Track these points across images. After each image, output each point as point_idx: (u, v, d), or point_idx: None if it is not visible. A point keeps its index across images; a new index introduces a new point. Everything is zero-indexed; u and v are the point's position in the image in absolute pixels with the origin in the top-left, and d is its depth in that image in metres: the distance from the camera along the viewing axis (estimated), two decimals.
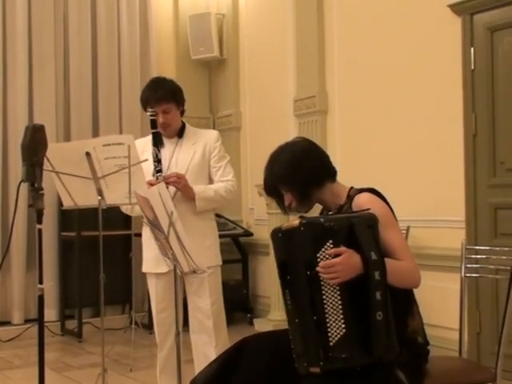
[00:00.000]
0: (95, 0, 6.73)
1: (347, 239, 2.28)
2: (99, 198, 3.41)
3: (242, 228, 6.85)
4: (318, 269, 2.24)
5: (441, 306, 4.59)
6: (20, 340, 6.03)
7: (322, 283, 2.25)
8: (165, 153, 3.58)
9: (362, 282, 2.25)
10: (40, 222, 2.46)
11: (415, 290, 2.53)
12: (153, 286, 3.66)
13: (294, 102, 6.24)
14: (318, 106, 5.94)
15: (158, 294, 3.63)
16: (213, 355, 3.52)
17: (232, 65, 7.15)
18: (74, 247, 6.17)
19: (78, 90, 6.65)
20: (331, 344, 2.22)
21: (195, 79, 7.18)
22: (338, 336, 2.22)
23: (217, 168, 3.64)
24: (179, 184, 3.42)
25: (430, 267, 4.54)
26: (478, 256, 3.25)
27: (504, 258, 2.94)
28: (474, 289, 4.54)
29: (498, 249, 3.23)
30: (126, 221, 5.97)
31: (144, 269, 3.70)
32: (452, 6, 4.69)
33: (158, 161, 3.43)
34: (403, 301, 2.46)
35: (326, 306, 2.24)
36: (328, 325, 2.23)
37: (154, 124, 3.46)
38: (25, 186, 2.47)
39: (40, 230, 2.49)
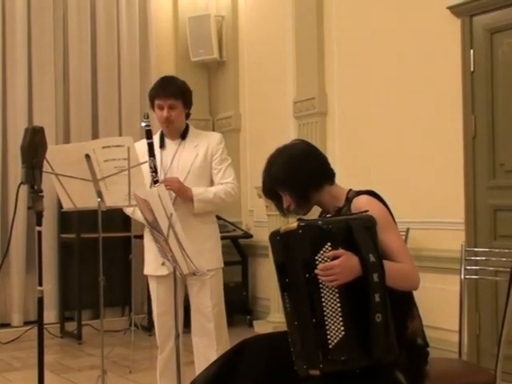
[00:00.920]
0: (95, 2, 6.74)
1: (345, 241, 2.28)
2: (99, 200, 3.41)
3: (242, 230, 6.85)
4: (316, 271, 2.24)
5: (440, 307, 4.58)
6: (19, 342, 6.02)
7: (321, 286, 2.25)
8: (167, 154, 3.58)
9: (360, 284, 2.25)
10: (40, 224, 2.46)
11: (415, 292, 2.53)
12: (154, 289, 3.67)
13: (293, 103, 6.24)
14: (318, 108, 5.94)
15: (159, 297, 3.63)
16: (214, 358, 3.51)
17: (231, 67, 7.15)
18: (74, 249, 6.16)
19: (78, 92, 6.65)
20: (330, 346, 2.22)
21: (195, 81, 7.15)
22: (338, 338, 2.22)
23: (217, 170, 3.64)
24: (173, 187, 3.42)
25: (429, 269, 4.54)
26: (478, 258, 3.25)
27: (503, 259, 2.94)
28: (473, 290, 4.54)
29: (497, 250, 3.23)
30: (126, 223, 5.97)
31: (145, 271, 3.71)
32: (451, 8, 4.69)
33: (154, 171, 3.43)
34: (403, 303, 2.46)
35: (324, 309, 2.24)
36: (327, 327, 2.22)
37: (149, 134, 3.47)
38: (24, 188, 2.47)
39: (40, 232, 2.49)
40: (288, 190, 2.60)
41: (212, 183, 3.65)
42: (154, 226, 2.91)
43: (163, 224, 2.84)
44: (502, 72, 4.46)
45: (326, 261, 2.25)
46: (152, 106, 3.63)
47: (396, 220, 2.56)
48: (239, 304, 6.55)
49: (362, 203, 2.49)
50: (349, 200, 2.56)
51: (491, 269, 3.16)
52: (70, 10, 6.63)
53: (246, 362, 2.47)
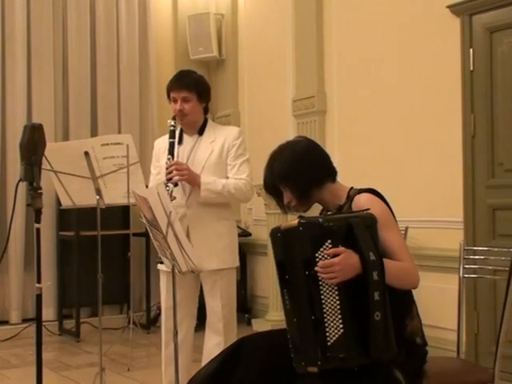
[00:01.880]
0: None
1: (346, 239, 2.28)
2: (98, 197, 3.41)
3: (241, 228, 6.85)
4: (316, 269, 2.24)
5: (439, 306, 4.59)
6: (18, 339, 6.02)
7: (321, 283, 2.25)
8: (184, 150, 3.55)
9: (360, 283, 2.26)
10: (38, 222, 2.46)
11: (414, 291, 2.53)
12: (164, 283, 3.62)
13: (292, 102, 6.24)
14: (317, 107, 5.94)
15: (169, 292, 3.62)
16: None
17: (231, 65, 7.15)
18: (73, 247, 6.16)
19: (77, 89, 6.64)
20: (329, 344, 2.22)
21: None
22: (336, 336, 2.22)
23: (231, 166, 3.57)
24: (183, 176, 3.38)
25: (428, 268, 4.54)
26: (477, 257, 3.26)
27: (502, 258, 2.94)
28: (472, 289, 4.54)
29: (496, 249, 3.23)
30: (125, 220, 5.98)
31: (158, 266, 3.65)
32: (451, 7, 4.69)
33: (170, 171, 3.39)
34: (402, 301, 2.47)
35: (324, 306, 2.24)
36: (326, 324, 2.23)
37: (172, 134, 3.45)
38: (23, 185, 2.47)
39: (38, 230, 2.49)
40: (289, 186, 2.59)
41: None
42: (153, 224, 2.92)
43: (162, 222, 2.84)
44: (502, 71, 4.46)
45: (326, 258, 2.25)
46: (169, 99, 3.59)
47: (396, 219, 2.56)
48: (238, 302, 6.50)
49: (363, 201, 2.49)
50: (350, 198, 2.56)
51: (490, 268, 3.16)
52: (70, 9, 6.61)
53: (245, 360, 2.47)
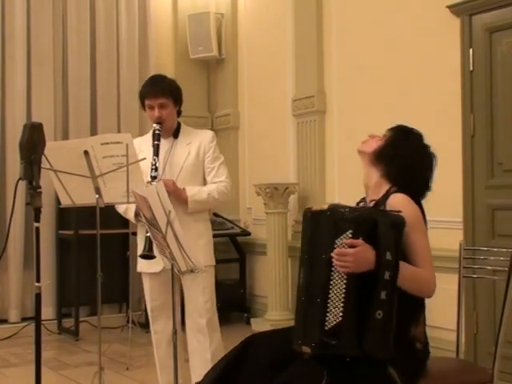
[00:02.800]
0: None
1: (368, 234, 2.32)
2: (97, 196, 3.41)
3: (240, 227, 6.85)
4: (331, 254, 2.29)
5: (438, 306, 4.56)
6: (17, 338, 6.02)
7: (333, 269, 2.30)
8: (160, 153, 3.58)
9: (371, 279, 2.29)
10: (38, 221, 2.46)
11: None
12: (147, 286, 3.70)
13: (292, 101, 6.24)
14: (317, 106, 5.94)
15: (152, 294, 3.66)
16: (207, 354, 3.55)
17: (231, 64, 7.15)
18: (72, 246, 6.16)
19: (77, 88, 6.64)
20: (326, 328, 2.28)
21: (194, 78, 7.18)
22: (334, 322, 2.27)
23: (210, 169, 3.65)
24: (168, 189, 3.42)
25: None
26: (476, 257, 3.26)
27: (501, 259, 2.94)
28: (471, 289, 4.55)
29: (495, 250, 3.22)
30: (124, 219, 5.93)
31: (138, 268, 3.72)
32: (451, 7, 4.69)
33: (155, 169, 3.46)
34: (412, 308, 2.49)
35: (330, 291, 2.29)
36: (328, 309, 2.28)
37: (157, 137, 3.51)
38: (23, 184, 2.47)
39: (37, 229, 2.49)
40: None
41: (204, 181, 3.67)
42: (153, 223, 2.91)
43: (161, 221, 2.84)
44: (501, 71, 4.46)
45: (343, 246, 2.29)
46: (143, 105, 3.64)
47: (427, 226, 2.60)
48: (236, 302, 6.55)
49: (396, 201, 2.52)
50: (387, 195, 2.58)
51: (489, 268, 3.16)
52: (70, 7, 6.61)
53: (251, 360, 2.48)
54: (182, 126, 3.71)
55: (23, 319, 6.27)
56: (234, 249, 6.75)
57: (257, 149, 6.74)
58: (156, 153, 3.48)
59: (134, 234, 5.52)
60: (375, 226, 2.32)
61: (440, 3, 4.76)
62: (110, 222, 5.61)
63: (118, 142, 3.33)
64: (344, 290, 2.28)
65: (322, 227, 2.37)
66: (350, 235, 2.30)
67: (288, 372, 2.33)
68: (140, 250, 3.60)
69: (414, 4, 5.04)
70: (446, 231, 4.71)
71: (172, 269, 3.05)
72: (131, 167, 3.31)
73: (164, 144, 3.61)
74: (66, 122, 6.65)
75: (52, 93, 6.51)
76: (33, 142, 2.46)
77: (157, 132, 3.52)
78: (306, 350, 2.32)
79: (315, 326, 2.30)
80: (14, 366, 5.18)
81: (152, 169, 3.44)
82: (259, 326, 5.93)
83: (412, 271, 2.42)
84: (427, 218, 2.74)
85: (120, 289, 6.41)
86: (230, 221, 6.80)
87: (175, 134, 3.67)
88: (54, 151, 3.27)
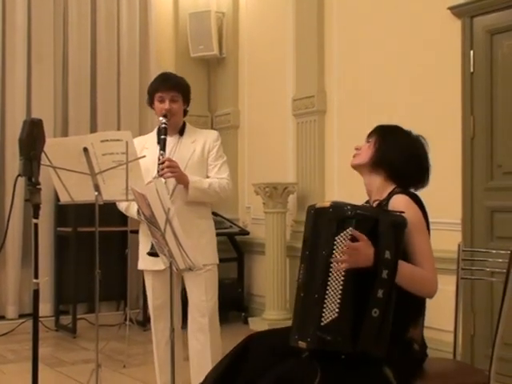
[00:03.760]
0: None
1: (368, 232, 2.32)
2: (96, 193, 3.40)
3: (239, 227, 6.85)
4: (343, 247, 2.29)
5: (436, 307, 4.55)
6: (14, 335, 6.02)
7: (332, 266, 2.31)
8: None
9: (368, 277, 2.30)
10: (36, 217, 2.45)
11: None
12: (149, 284, 3.67)
13: (292, 101, 6.24)
14: (317, 106, 5.94)
15: (155, 292, 3.64)
16: (207, 353, 3.54)
17: (231, 63, 7.15)
18: (70, 243, 6.16)
19: (77, 85, 6.64)
20: (322, 324, 2.29)
21: (194, 77, 7.15)
22: (330, 318, 2.29)
23: (213, 166, 3.66)
24: (174, 173, 3.42)
25: None
26: (474, 258, 3.26)
27: (500, 260, 2.94)
28: (469, 291, 4.55)
29: (494, 252, 3.23)
30: (123, 217, 5.91)
31: (140, 266, 3.70)
32: (452, 9, 4.69)
33: (163, 163, 3.44)
34: (412, 309, 2.51)
35: (328, 288, 2.31)
36: (324, 305, 2.30)
37: (164, 131, 3.51)
38: (22, 181, 2.47)
39: (36, 225, 2.49)
40: (379, 142, 2.71)
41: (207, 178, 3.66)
42: (152, 221, 2.91)
43: (160, 219, 2.84)
44: (502, 73, 4.46)
45: (344, 243, 2.31)
46: (151, 100, 3.63)
47: (430, 228, 2.62)
48: (234, 301, 6.55)
49: (398, 202, 2.53)
50: (390, 196, 2.59)
51: (487, 270, 3.17)
52: (71, 5, 6.61)
53: (251, 358, 2.49)
54: (187, 125, 3.73)
55: (21, 316, 6.27)
56: (233, 248, 6.76)
57: (256, 148, 6.74)
58: (163, 147, 3.47)
59: (133, 231, 5.54)
60: (376, 224, 2.33)
61: (441, 5, 4.76)
62: (109, 220, 5.59)
63: (118, 140, 3.32)
64: (341, 287, 2.30)
65: (323, 224, 2.39)
66: (351, 232, 2.31)
67: (282, 367, 2.34)
68: (144, 248, 3.60)
69: (415, 5, 5.04)
70: (445, 233, 4.71)
71: (171, 266, 3.05)
72: (131, 165, 3.31)
73: (169, 141, 3.60)
74: (66, 119, 6.64)
75: (52, 89, 6.51)
76: (32, 138, 2.46)
77: (163, 126, 3.51)
78: (302, 345, 2.34)
79: (312, 321, 2.32)
80: (11, 363, 5.19)
81: (159, 164, 3.43)
82: (257, 325, 5.93)
83: (411, 270, 2.43)
84: None
85: (118, 286, 6.40)
86: (228, 220, 6.80)
87: (180, 131, 3.67)
88: (54, 148, 3.27)
